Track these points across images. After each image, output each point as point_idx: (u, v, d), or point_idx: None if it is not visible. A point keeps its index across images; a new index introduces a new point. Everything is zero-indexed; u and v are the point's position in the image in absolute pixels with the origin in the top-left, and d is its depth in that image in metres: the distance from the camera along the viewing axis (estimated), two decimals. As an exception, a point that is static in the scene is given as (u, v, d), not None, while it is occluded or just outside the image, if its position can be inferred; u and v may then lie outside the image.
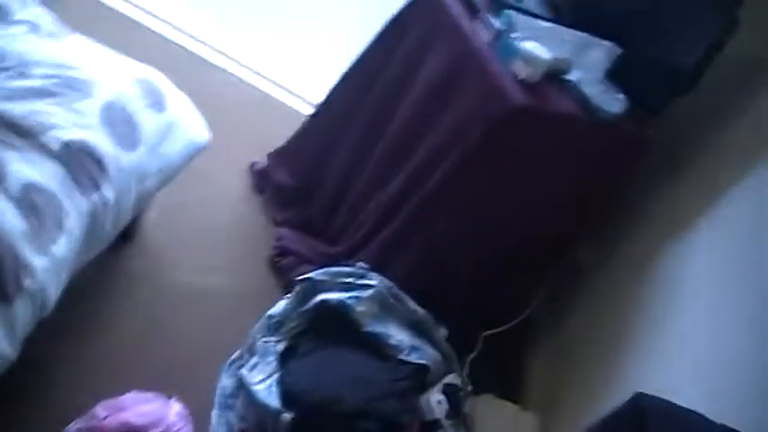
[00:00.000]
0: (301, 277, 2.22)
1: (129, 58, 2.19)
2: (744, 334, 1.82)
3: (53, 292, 1.64)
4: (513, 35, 2.25)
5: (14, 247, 1.55)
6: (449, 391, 2.16)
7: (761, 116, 2.18)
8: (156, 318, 2.26)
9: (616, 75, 2.36)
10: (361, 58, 2.71)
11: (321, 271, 2.23)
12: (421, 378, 2.15)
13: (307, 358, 2.07)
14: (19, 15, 2.06)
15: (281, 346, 2.09)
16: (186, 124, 2.16)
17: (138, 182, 1.95)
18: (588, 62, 2.35)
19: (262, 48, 3.72)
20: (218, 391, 2.08)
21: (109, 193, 1.82)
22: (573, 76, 2.31)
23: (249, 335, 2.13)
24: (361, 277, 2.23)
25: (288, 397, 1.94)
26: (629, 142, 2.36)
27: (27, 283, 1.55)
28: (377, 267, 2.29)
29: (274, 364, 2.03)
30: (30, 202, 1.62)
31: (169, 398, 1.91)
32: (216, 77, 3.40)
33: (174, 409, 1.89)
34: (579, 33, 2.38)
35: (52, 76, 1.88)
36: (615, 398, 2.09)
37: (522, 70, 2.20)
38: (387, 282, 2.23)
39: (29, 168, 1.68)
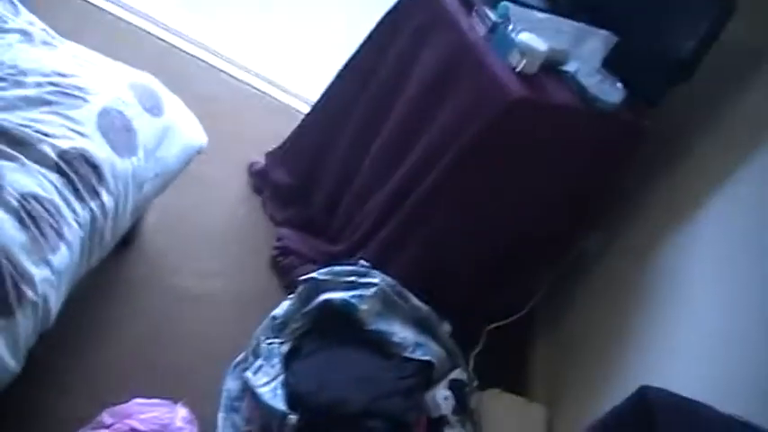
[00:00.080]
0: (304, 277, 2.22)
1: (122, 64, 2.18)
2: (746, 323, 1.82)
3: (55, 303, 1.63)
4: (509, 27, 2.24)
5: (14, 258, 1.54)
6: (455, 387, 2.16)
7: (758, 104, 2.17)
8: (159, 323, 2.26)
9: (613, 64, 2.35)
10: (356, 55, 2.70)
11: (324, 270, 2.23)
12: (426, 375, 2.15)
13: (311, 359, 2.07)
14: (11, 24, 2.05)
15: (285, 348, 2.09)
16: (182, 128, 2.15)
17: (136, 188, 1.94)
18: (585, 52, 2.34)
19: (256, 46, 3.70)
20: (224, 394, 2.08)
21: (107, 200, 1.81)
22: (570, 66, 2.31)
23: (253, 337, 2.13)
24: (364, 275, 2.22)
25: (293, 399, 1.94)
26: (627, 132, 2.35)
27: (28, 294, 1.54)
28: (378, 265, 2.29)
29: (279, 365, 2.02)
30: (28, 212, 1.61)
31: (175, 402, 1.90)
32: (210, 77, 3.39)
33: (180, 414, 1.88)
34: (576, 23, 2.37)
35: (47, 85, 1.87)
36: (619, 389, 2.09)
37: (519, 62, 2.19)
38: (389, 279, 2.23)
39: (26, 178, 1.67)
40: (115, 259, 2.23)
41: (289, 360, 2.06)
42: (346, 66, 2.72)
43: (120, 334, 2.17)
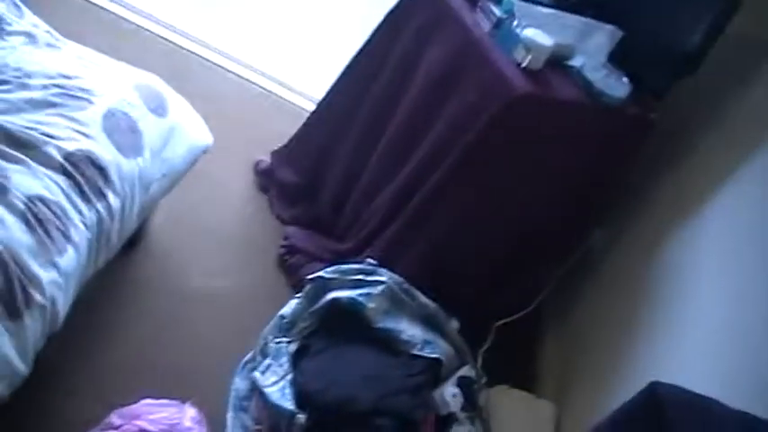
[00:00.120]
0: (311, 276, 2.21)
1: (127, 64, 2.18)
2: (752, 316, 1.81)
3: (62, 306, 1.64)
4: (514, 23, 2.23)
5: (22, 261, 1.54)
6: (463, 384, 2.16)
7: (764, 98, 2.16)
8: (166, 323, 2.26)
9: (619, 58, 2.34)
10: (361, 52, 2.69)
11: (331, 269, 2.23)
12: (434, 372, 2.14)
13: (319, 357, 2.07)
14: (15, 26, 2.05)
15: (293, 347, 2.09)
16: (188, 128, 2.15)
17: (142, 188, 1.94)
18: (591, 47, 2.33)
19: (260, 44, 3.70)
20: (232, 394, 2.08)
21: (114, 201, 1.81)
22: (576, 61, 2.30)
23: (261, 336, 2.13)
24: (371, 274, 2.22)
25: (301, 397, 1.94)
26: (633, 126, 2.34)
27: (36, 297, 1.54)
28: (385, 263, 2.28)
29: (287, 365, 2.02)
30: (35, 215, 1.61)
31: (183, 403, 1.90)
32: (215, 76, 3.38)
33: (189, 414, 1.88)
34: (581, 18, 2.36)
35: (52, 87, 1.87)
36: (627, 384, 2.10)
37: (525, 58, 2.18)
38: (396, 277, 2.22)
39: (32, 181, 1.67)
40: (122, 260, 2.22)
41: (297, 359, 2.06)
42: (351, 63, 2.71)
43: (127, 335, 2.17)
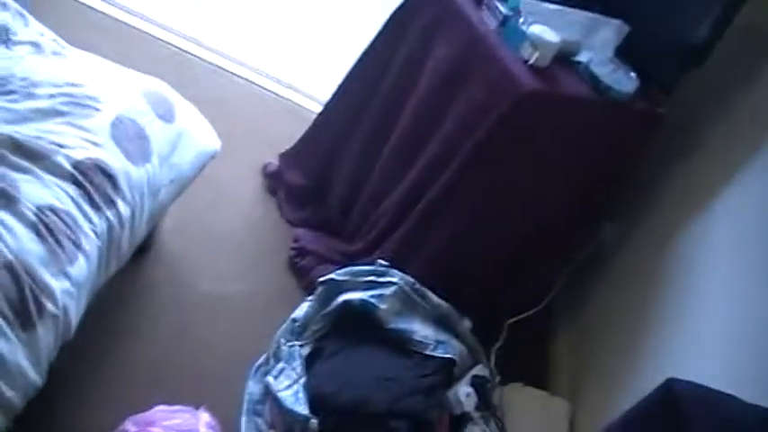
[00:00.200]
0: (323, 279, 2.21)
1: (133, 71, 2.17)
2: (765, 309, 1.80)
3: (75, 315, 1.64)
4: (520, 20, 2.22)
5: (33, 271, 1.54)
6: (477, 383, 2.16)
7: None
8: (178, 328, 2.26)
9: (626, 52, 2.33)
10: (366, 52, 2.69)
11: (342, 271, 2.22)
12: (448, 372, 2.14)
13: (332, 360, 2.07)
14: (21, 36, 2.04)
15: (305, 350, 2.09)
16: (196, 133, 2.15)
17: (151, 195, 1.94)
18: (597, 42, 2.32)
19: (266, 47, 3.70)
20: (246, 398, 2.09)
21: (123, 209, 1.81)
22: (583, 57, 2.29)
23: (273, 340, 2.13)
24: (383, 275, 2.22)
25: (315, 400, 1.94)
26: (642, 121, 2.34)
27: (48, 307, 1.54)
28: (396, 263, 2.28)
29: (300, 368, 2.02)
30: (45, 224, 1.61)
31: (197, 408, 1.90)
32: (220, 80, 3.38)
33: (204, 419, 1.88)
34: (587, 13, 2.35)
35: (59, 96, 1.87)
36: (641, 379, 2.10)
37: (532, 55, 2.18)
38: (408, 278, 2.22)
39: (42, 190, 1.67)
40: (132, 267, 2.22)
41: (310, 362, 2.06)
42: (357, 64, 2.71)
43: (139, 341, 2.17)
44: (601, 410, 2.22)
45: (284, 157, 2.94)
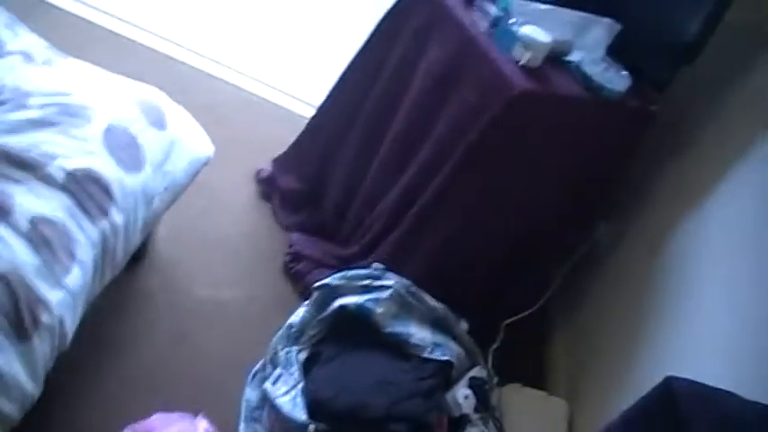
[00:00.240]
0: (318, 283, 2.21)
1: (125, 78, 2.17)
2: (764, 306, 1.80)
3: (70, 325, 1.63)
4: (510, 20, 2.22)
5: (28, 282, 1.54)
6: (475, 385, 2.15)
7: (763, 84, 2.15)
8: (174, 336, 2.25)
9: (617, 51, 2.34)
10: (358, 56, 2.68)
11: (338, 275, 2.22)
12: (446, 374, 2.14)
13: (329, 365, 2.06)
14: (11, 46, 2.04)
15: (302, 355, 2.08)
16: (188, 140, 2.14)
17: (145, 203, 1.93)
18: (589, 41, 2.32)
19: (254, 51, 3.69)
20: (244, 405, 2.08)
21: (117, 218, 1.80)
22: (575, 56, 2.30)
23: (270, 346, 2.12)
24: (378, 278, 2.21)
25: (313, 406, 1.93)
26: (635, 119, 2.34)
27: (44, 318, 1.54)
28: (391, 266, 2.27)
29: (297, 373, 2.01)
30: (39, 235, 1.60)
31: (195, 415, 1.90)
32: (211, 86, 3.37)
33: (202, 426, 1.88)
34: (578, 13, 2.35)
35: (51, 105, 1.86)
36: (638, 378, 2.10)
37: (523, 56, 2.18)
38: (404, 281, 2.21)
39: (35, 201, 1.66)
40: (127, 275, 2.22)
41: (307, 367, 2.06)
42: (349, 67, 2.71)
43: (135, 349, 2.17)
44: (599, 410, 2.23)
45: (277, 162, 2.94)
